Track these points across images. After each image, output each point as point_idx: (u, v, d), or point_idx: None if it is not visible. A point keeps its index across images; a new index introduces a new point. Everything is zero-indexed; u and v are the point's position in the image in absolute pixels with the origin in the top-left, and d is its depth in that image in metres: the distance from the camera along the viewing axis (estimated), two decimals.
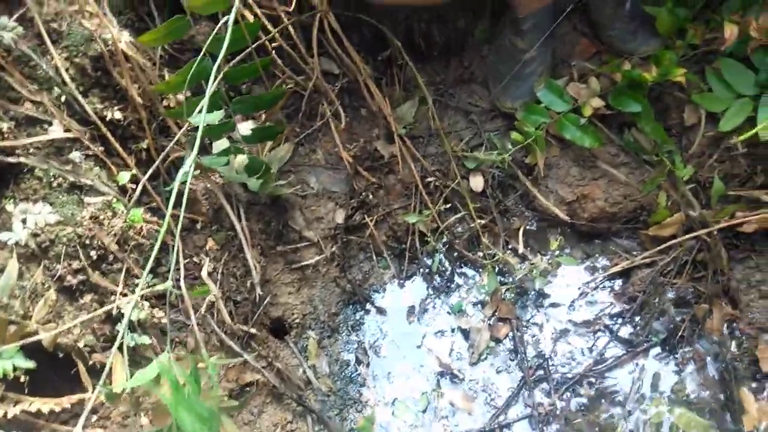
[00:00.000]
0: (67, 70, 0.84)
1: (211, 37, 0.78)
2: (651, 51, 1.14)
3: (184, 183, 0.68)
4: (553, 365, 1.15)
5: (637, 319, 1.16)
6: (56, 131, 0.83)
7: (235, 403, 0.98)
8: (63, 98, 0.85)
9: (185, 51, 1.10)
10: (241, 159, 1.04)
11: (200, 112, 0.78)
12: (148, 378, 0.60)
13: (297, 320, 1.20)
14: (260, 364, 1.06)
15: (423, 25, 1.24)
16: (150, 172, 0.90)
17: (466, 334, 1.20)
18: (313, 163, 1.24)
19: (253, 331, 1.07)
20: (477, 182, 1.26)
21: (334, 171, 1.25)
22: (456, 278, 1.25)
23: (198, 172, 1.03)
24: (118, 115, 0.89)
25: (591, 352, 1.16)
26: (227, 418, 0.78)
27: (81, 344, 0.83)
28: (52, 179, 0.83)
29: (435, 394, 1.15)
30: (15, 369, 0.71)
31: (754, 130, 0.99)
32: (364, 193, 1.25)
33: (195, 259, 1.05)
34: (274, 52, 1.12)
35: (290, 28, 1.12)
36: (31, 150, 0.82)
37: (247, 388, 1.06)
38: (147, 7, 1.00)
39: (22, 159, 0.80)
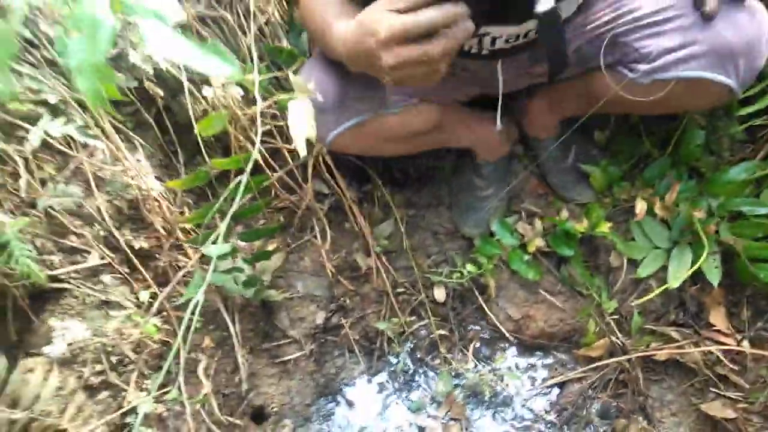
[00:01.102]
0: (107, 210, 1.04)
1: (225, 194, 1.00)
2: (586, 201, 1.38)
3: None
4: None
5: (566, 427, 1.35)
6: (94, 259, 1.03)
7: None
8: (101, 232, 1.05)
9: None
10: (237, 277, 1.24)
11: (214, 243, 0.99)
12: None
13: (275, 409, 1.38)
14: None
15: (399, 162, 1.49)
16: (167, 291, 1.09)
17: (422, 430, 1.38)
18: (300, 270, 1.44)
19: (237, 422, 1.25)
20: (440, 294, 1.47)
21: (318, 277, 1.45)
22: (417, 378, 1.44)
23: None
24: (144, 243, 1.09)
25: None
26: None
27: None
28: (86, 298, 1.02)
29: None
30: None
31: (666, 285, 1.22)
32: (342, 298, 1.45)
33: (193, 355, 1.24)
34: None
35: (290, 162, 1.35)
36: (72, 275, 1.01)
37: None
38: (173, 147, 1.22)
39: (65, 285, 0.99)
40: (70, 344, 0.98)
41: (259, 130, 0.85)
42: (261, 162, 1.26)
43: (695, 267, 1.18)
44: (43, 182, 0.98)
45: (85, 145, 0.94)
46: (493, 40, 0.99)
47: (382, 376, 1.45)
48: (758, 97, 1.17)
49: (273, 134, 1.31)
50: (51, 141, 0.91)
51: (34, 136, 0.85)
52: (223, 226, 0.97)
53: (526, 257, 1.35)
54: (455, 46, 0.72)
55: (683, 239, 1.24)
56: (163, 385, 1.17)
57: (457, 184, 1.49)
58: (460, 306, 1.47)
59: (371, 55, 0.76)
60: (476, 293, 1.43)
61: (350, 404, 1.43)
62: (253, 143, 1.24)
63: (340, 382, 1.45)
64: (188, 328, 0.85)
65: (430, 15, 0.70)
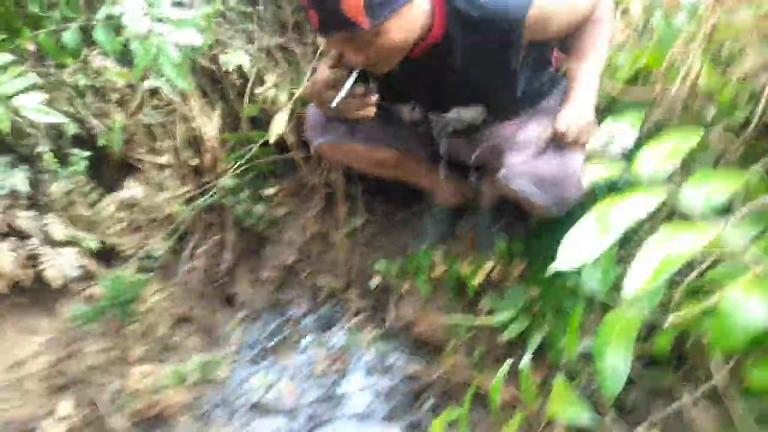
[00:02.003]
0: (180, 134, 1.78)
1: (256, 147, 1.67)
2: (485, 256, 1.81)
3: None
4: None
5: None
6: (163, 158, 1.77)
7: None
8: (174, 144, 1.79)
9: None
10: (243, 207, 1.91)
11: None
12: None
13: (241, 301, 2.05)
14: None
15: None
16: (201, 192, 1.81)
17: (315, 358, 1.95)
18: (289, 225, 2.08)
19: (211, 292, 1.95)
20: (374, 281, 2.00)
21: (300, 235, 2.08)
22: (333, 327, 2.01)
23: None
24: (197, 161, 1.81)
25: None
26: None
27: None
28: (152, 177, 1.77)
29: None
30: None
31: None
32: (308, 255, 2.07)
33: (200, 234, 1.95)
34: None
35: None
36: (148, 162, 1.77)
37: None
38: (238, 117, 1.92)
39: (141, 165, 1.74)
40: (132, 197, 1.72)
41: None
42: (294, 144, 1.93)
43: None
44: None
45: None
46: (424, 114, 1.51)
47: (312, 316, 2.04)
48: None
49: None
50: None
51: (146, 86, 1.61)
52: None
53: (426, 278, 1.83)
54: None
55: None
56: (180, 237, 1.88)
57: (417, 213, 2.01)
58: (382, 296, 1.99)
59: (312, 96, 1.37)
60: (394, 292, 1.95)
61: (286, 323, 2.04)
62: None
63: (287, 307, 2.07)
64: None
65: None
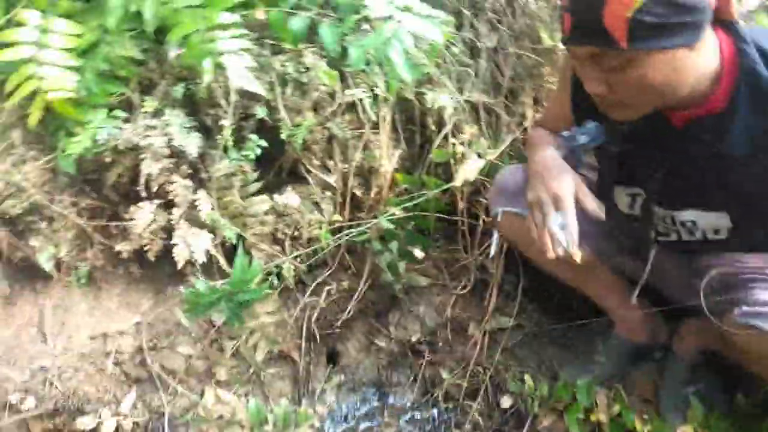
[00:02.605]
0: (355, 161, 1.64)
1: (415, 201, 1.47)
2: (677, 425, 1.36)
3: None
4: None
5: None
6: (331, 178, 1.63)
7: None
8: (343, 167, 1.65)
9: None
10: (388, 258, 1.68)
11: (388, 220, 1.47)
12: None
13: (344, 362, 1.76)
14: None
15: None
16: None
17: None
18: (429, 299, 1.80)
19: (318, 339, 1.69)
20: (505, 402, 1.61)
21: (438, 316, 1.77)
22: None
23: None
24: (358, 193, 1.64)
25: None
26: None
27: None
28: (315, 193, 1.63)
29: None
30: None
31: None
32: (439, 339, 1.75)
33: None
34: None
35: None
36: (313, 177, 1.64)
37: None
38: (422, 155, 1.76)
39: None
40: (286, 205, 1.57)
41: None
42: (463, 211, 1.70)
43: None
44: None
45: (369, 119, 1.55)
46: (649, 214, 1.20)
47: (418, 413, 1.67)
48: None
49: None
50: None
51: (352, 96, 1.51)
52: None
53: (582, 418, 1.41)
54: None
55: None
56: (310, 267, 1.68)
57: (585, 336, 1.62)
58: (511, 420, 1.59)
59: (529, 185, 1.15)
60: (528, 419, 1.53)
61: (385, 408, 1.70)
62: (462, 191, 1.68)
63: (391, 390, 1.72)
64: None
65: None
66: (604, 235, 1.33)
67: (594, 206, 1.06)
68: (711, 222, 1.14)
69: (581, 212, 1.07)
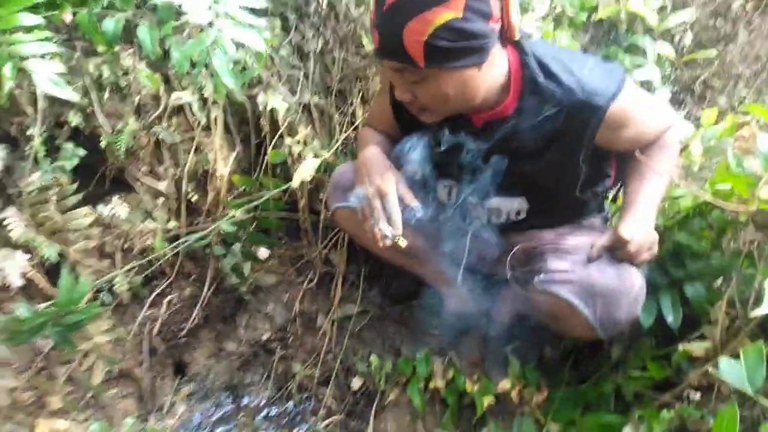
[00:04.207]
0: (187, 165, 1.60)
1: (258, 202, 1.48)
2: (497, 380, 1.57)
3: None
4: None
5: None
6: (163, 185, 1.57)
7: None
8: (177, 173, 1.60)
9: None
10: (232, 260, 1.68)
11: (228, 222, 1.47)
12: None
13: (193, 372, 1.72)
14: None
15: (402, 275, 1.84)
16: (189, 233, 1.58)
17: None
18: (277, 297, 1.83)
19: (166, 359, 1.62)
20: (356, 383, 1.71)
21: (285, 310, 1.81)
22: (298, 426, 1.67)
23: None
24: (195, 197, 1.61)
25: None
26: None
27: None
28: (142, 200, 1.56)
29: None
30: None
31: None
32: (288, 335, 1.79)
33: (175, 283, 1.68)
34: None
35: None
36: (144, 186, 1.56)
37: None
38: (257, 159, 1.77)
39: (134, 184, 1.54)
40: (113, 216, 1.49)
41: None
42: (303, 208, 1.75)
43: None
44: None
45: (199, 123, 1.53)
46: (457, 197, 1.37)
47: (274, 408, 1.71)
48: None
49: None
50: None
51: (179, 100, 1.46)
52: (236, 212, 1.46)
53: (422, 388, 1.56)
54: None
55: None
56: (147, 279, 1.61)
57: (420, 313, 1.78)
58: (362, 400, 1.69)
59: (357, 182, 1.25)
60: (376, 396, 1.65)
61: (240, 410, 1.70)
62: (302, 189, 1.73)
63: (245, 390, 1.74)
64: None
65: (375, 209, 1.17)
66: (429, 222, 1.49)
67: (412, 200, 1.19)
68: (512, 206, 1.34)
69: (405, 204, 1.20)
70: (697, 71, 2.63)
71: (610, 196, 1.52)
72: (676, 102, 2.58)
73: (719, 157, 1.45)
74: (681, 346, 1.22)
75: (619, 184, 1.45)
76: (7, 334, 1.16)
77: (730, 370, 0.74)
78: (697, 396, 1.14)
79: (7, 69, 1.15)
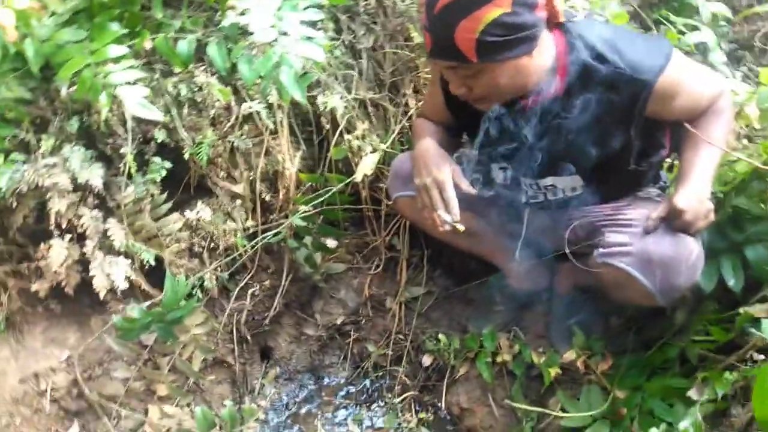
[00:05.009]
0: (260, 166, 1.73)
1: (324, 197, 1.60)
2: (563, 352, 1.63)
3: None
4: None
5: None
6: (238, 188, 1.71)
7: None
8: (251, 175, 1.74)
9: None
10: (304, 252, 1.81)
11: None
12: None
13: (277, 356, 1.88)
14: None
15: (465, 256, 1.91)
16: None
17: None
18: (348, 283, 1.96)
19: (251, 343, 1.78)
20: (427, 360, 1.83)
21: (356, 295, 1.94)
22: (376, 402, 1.80)
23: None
24: (267, 197, 1.74)
25: None
26: None
27: None
28: (222, 204, 1.71)
29: None
30: None
31: None
32: (361, 318, 1.92)
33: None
34: None
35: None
36: (221, 188, 1.71)
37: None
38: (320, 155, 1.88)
39: (216, 189, 1.69)
40: (198, 219, 1.64)
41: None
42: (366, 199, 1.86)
43: None
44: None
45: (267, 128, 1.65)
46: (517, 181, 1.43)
47: (353, 386, 1.85)
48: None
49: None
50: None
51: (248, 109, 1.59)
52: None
53: (490, 362, 1.65)
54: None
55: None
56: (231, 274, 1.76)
57: (484, 291, 1.86)
58: (434, 375, 1.80)
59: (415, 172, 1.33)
60: (447, 371, 1.75)
61: (320, 386, 1.85)
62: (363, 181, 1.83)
63: (325, 371, 1.88)
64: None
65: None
66: (486, 204, 1.56)
67: (467, 187, 1.27)
68: (567, 183, 1.39)
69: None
70: (757, 24, 2.52)
71: (666, 166, 1.54)
72: (734, 59, 2.50)
73: None
74: (743, 309, 1.24)
75: (674, 154, 1.47)
76: (122, 331, 1.34)
77: None
78: (761, 357, 1.17)
79: (103, 97, 1.30)
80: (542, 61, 1.15)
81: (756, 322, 1.25)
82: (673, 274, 1.21)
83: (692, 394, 1.26)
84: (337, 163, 1.81)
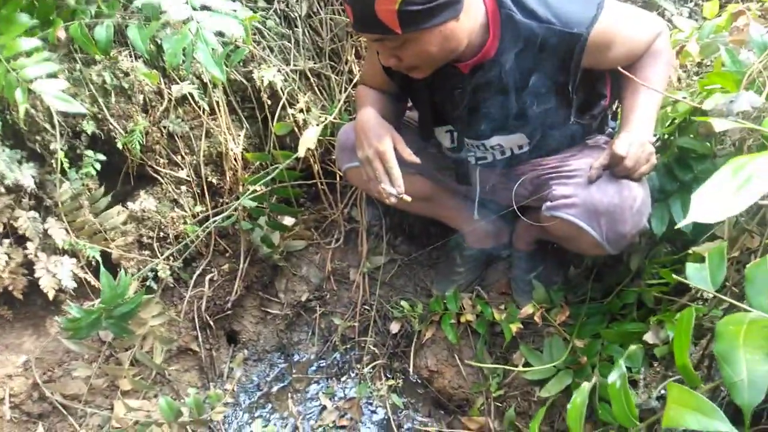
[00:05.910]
0: (203, 149, 1.68)
1: (274, 174, 1.56)
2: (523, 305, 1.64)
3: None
4: None
5: None
6: (182, 173, 1.66)
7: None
8: (195, 161, 1.69)
9: None
10: (260, 233, 1.78)
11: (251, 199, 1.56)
12: None
13: (244, 339, 1.86)
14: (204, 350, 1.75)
15: (423, 221, 1.91)
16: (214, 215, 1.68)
17: (323, 408, 1.73)
18: (310, 259, 1.94)
19: (215, 328, 1.76)
20: (394, 327, 1.82)
21: (318, 270, 1.93)
22: (343, 375, 1.81)
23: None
24: (214, 180, 1.70)
25: None
26: None
27: None
28: (168, 191, 1.66)
29: None
30: None
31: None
32: (325, 292, 1.90)
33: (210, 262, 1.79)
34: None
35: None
36: (166, 174, 1.66)
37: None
38: (265, 133, 1.83)
39: (160, 177, 1.63)
40: (143, 210, 1.60)
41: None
42: (319, 173, 1.83)
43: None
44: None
45: (204, 110, 1.59)
46: (462, 142, 1.41)
47: (324, 361, 1.85)
48: None
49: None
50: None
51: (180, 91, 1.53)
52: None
53: (454, 323, 1.65)
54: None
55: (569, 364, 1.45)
56: (187, 262, 1.74)
57: (445, 253, 1.86)
58: (402, 342, 1.81)
59: (357, 143, 1.29)
60: (414, 337, 1.76)
61: (291, 364, 1.85)
62: (314, 154, 1.80)
63: (294, 349, 1.88)
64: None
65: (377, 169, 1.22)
66: (437, 168, 1.54)
67: (410, 156, 1.24)
68: (513, 141, 1.37)
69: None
70: None
71: (610, 114, 1.52)
72: None
73: (716, 54, 1.43)
74: (693, 249, 1.24)
75: (616, 101, 1.45)
76: (70, 331, 1.30)
77: (695, 274, 0.79)
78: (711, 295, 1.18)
79: (18, 94, 1.23)
80: (470, 24, 1.11)
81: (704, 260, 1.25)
82: (619, 222, 1.20)
83: (647, 337, 1.27)
84: (285, 139, 1.77)
